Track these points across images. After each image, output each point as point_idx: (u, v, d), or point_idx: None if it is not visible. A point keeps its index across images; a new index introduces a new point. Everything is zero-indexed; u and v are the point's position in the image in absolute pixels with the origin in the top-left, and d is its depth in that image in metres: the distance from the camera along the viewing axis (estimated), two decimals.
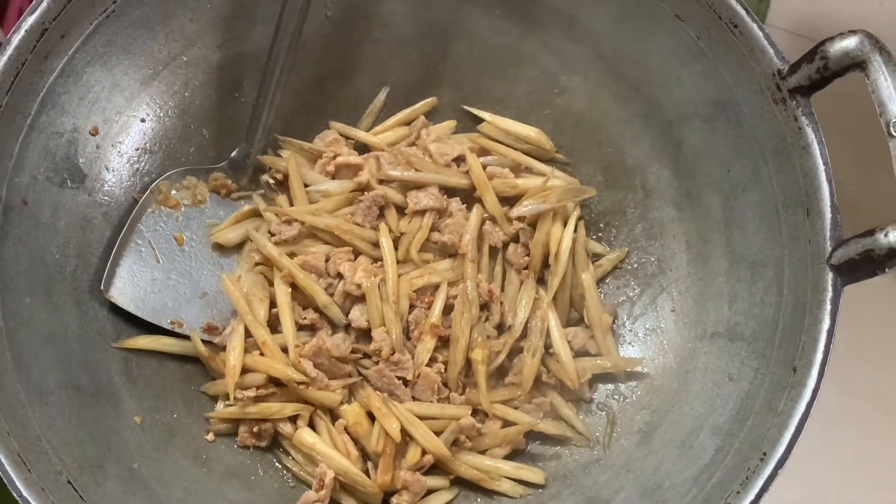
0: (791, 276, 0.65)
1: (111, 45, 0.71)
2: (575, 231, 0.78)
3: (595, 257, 0.81)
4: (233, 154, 0.79)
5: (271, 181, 0.81)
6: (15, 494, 0.57)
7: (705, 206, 0.74)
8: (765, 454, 0.60)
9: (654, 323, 0.77)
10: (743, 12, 0.66)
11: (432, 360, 0.74)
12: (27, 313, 0.66)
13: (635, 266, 0.80)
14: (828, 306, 0.61)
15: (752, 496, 0.59)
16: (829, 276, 0.61)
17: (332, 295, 0.76)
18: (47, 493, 0.58)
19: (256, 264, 0.77)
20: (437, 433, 0.71)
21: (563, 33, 0.78)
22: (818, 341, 0.61)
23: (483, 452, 0.74)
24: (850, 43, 0.59)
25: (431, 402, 0.74)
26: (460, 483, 0.73)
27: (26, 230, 0.67)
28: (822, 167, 0.63)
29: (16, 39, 0.64)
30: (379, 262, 0.77)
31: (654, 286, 0.78)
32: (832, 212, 0.62)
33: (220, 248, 0.78)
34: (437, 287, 0.76)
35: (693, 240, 0.76)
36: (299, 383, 0.71)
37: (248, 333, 0.73)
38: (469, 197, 0.80)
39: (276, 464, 0.74)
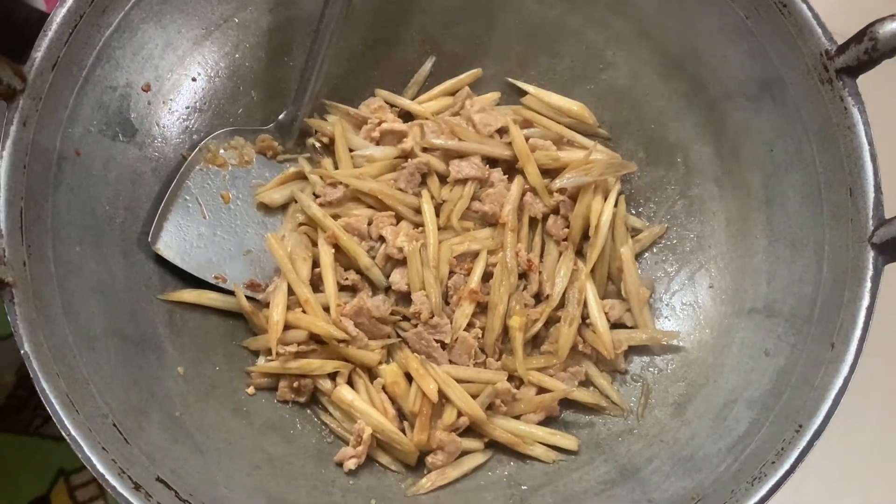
0: (831, 254, 0.66)
1: (166, 3, 0.73)
2: (615, 205, 0.78)
3: (634, 232, 0.81)
4: (280, 117, 0.80)
5: (317, 145, 0.82)
6: (64, 434, 0.58)
7: (746, 184, 0.74)
8: (801, 426, 0.60)
9: (692, 298, 0.78)
10: None
11: (470, 326, 0.75)
12: (77, 262, 0.67)
13: (674, 242, 0.81)
14: (868, 284, 0.61)
15: (787, 466, 0.59)
16: (871, 254, 0.62)
17: (373, 257, 0.77)
18: (94, 433, 0.59)
19: (300, 224, 0.78)
20: (473, 396, 0.72)
21: (610, 8, 0.79)
22: (857, 318, 0.61)
23: (517, 418, 0.74)
24: None
25: (468, 366, 0.75)
26: (494, 446, 0.74)
27: (78, 181, 0.68)
28: (866, 147, 0.63)
29: None
30: (420, 228, 0.77)
31: (692, 262, 0.79)
32: (875, 191, 0.63)
33: (265, 207, 0.79)
34: (476, 254, 0.77)
35: (733, 217, 0.76)
36: (340, 341, 0.73)
37: (290, 291, 0.74)
38: (511, 168, 0.81)
39: (315, 419, 0.75)
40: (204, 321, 0.75)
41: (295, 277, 0.74)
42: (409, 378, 0.73)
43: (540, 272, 0.78)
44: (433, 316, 0.74)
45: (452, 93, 0.85)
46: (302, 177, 0.80)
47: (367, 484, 0.71)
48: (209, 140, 0.78)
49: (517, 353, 0.74)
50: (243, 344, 0.76)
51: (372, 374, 0.75)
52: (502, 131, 0.81)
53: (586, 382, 0.77)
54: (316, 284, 0.76)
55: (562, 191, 0.78)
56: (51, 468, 0.84)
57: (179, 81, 0.76)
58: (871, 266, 0.62)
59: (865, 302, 0.61)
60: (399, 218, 0.78)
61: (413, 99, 0.85)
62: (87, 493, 0.83)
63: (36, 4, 0.92)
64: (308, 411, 0.75)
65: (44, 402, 0.58)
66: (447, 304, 0.76)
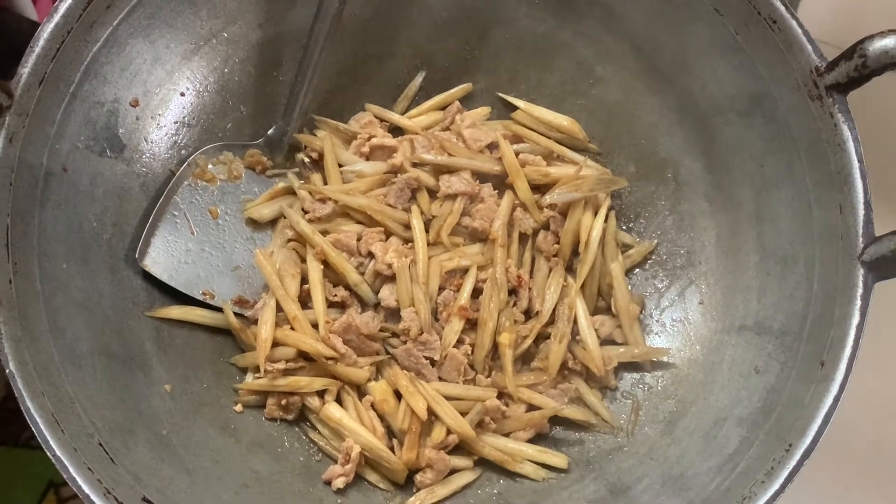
0: (821, 271, 0.65)
1: (154, 18, 0.72)
2: (605, 221, 0.78)
3: (624, 248, 0.81)
4: (269, 132, 0.80)
5: (306, 160, 0.82)
6: (49, 454, 0.57)
7: (737, 199, 0.74)
8: (791, 445, 0.60)
9: (682, 314, 0.78)
10: (782, 8, 0.66)
11: (459, 342, 0.75)
12: (64, 278, 0.66)
13: (664, 257, 0.80)
14: (858, 302, 0.61)
15: (777, 485, 0.59)
16: (861, 272, 0.62)
17: (362, 274, 0.76)
18: (80, 453, 0.58)
19: (289, 240, 0.78)
20: (463, 414, 0.72)
21: (601, 23, 0.79)
22: (847, 336, 0.61)
23: (507, 435, 0.74)
24: (889, 42, 0.60)
25: (457, 383, 0.74)
26: (484, 464, 0.74)
27: (65, 197, 0.68)
28: (856, 164, 0.63)
29: (63, 7, 0.65)
30: (410, 244, 0.77)
31: (682, 278, 0.79)
32: (865, 208, 0.62)
33: (254, 223, 0.79)
34: (466, 270, 0.76)
35: (723, 233, 0.76)
36: (328, 359, 0.72)
37: (278, 308, 0.74)
38: (501, 183, 0.80)
39: (303, 437, 0.75)
40: (191, 338, 0.75)
41: (283, 294, 0.74)
42: (398, 395, 0.73)
43: (530, 288, 0.77)
44: (422, 332, 0.74)
45: (443, 107, 0.85)
46: (291, 192, 0.80)
47: (356, 502, 0.71)
48: (198, 155, 0.77)
49: (507, 369, 0.74)
50: (231, 361, 0.76)
51: (361, 391, 0.75)
52: (492, 146, 0.81)
53: (576, 399, 0.76)
54: (304, 301, 0.76)
55: (552, 206, 0.78)
56: (41, 480, 0.84)
57: (168, 96, 0.76)
58: (860, 284, 0.62)
59: (855, 320, 0.61)
60: (388, 234, 0.78)
61: (403, 113, 0.84)
62: None
63: (27, 14, 0.92)
64: (296, 429, 0.75)
65: (29, 421, 0.58)
66: (437, 320, 0.76)
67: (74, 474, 0.57)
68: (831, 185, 0.65)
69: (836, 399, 0.60)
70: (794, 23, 0.65)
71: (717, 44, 0.72)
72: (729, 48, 0.71)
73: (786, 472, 0.59)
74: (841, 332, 0.62)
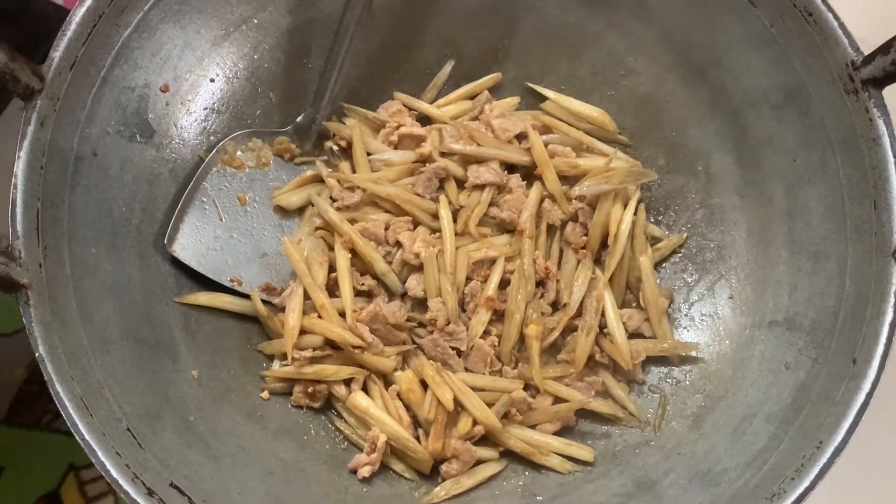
0: (854, 267, 0.65)
1: (185, 4, 0.72)
2: (635, 213, 0.77)
3: (653, 241, 0.80)
4: (298, 119, 0.80)
5: (335, 148, 0.81)
6: (78, 438, 0.57)
7: (768, 194, 0.74)
8: (821, 442, 0.60)
9: (711, 309, 0.77)
10: (818, 0, 0.65)
11: (486, 333, 0.75)
12: (93, 263, 0.66)
13: (694, 251, 0.80)
14: (891, 299, 0.61)
15: (806, 483, 0.59)
16: (895, 268, 0.61)
17: (390, 263, 0.76)
18: (108, 437, 0.58)
19: (317, 229, 0.78)
20: (489, 405, 0.72)
21: (633, 14, 0.78)
22: (880, 333, 0.61)
23: (533, 427, 0.74)
24: None
25: (484, 374, 0.74)
26: (509, 455, 0.74)
27: (95, 181, 0.68)
28: (891, 159, 0.63)
29: None
30: (437, 234, 0.77)
31: (712, 272, 0.78)
32: None
33: (282, 210, 0.79)
34: (493, 261, 0.76)
35: (754, 227, 0.75)
36: (355, 347, 0.72)
37: (306, 296, 0.74)
38: (529, 174, 0.80)
39: (329, 425, 0.75)
40: (219, 324, 0.75)
41: (311, 282, 0.74)
42: (424, 385, 0.73)
43: (558, 280, 0.77)
44: (449, 323, 0.74)
45: (472, 97, 0.84)
46: (319, 180, 0.80)
47: (381, 492, 0.71)
48: (227, 142, 0.77)
49: (533, 361, 0.73)
50: (258, 348, 0.76)
51: (387, 380, 0.75)
52: (521, 137, 0.81)
53: (603, 392, 0.76)
54: (332, 289, 0.76)
55: (581, 198, 0.78)
56: (61, 463, 0.84)
57: (198, 82, 0.76)
58: (894, 281, 0.61)
59: (889, 317, 0.61)
60: (416, 223, 0.78)
61: (432, 102, 0.84)
62: (97, 489, 0.83)
63: None
64: (322, 417, 0.75)
65: (58, 405, 0.58)
66: (463, 311, 0.76)
67: (103, 458, 0.57)
68: (865, 181, 0.64)
69: (868, 396, 0.60)
70: (829, 15, 0.65)
71: (751, 36, 0.71)
72: (763, 41, 0.70)
73: (816, 470, 0.59)
74: (873, 329, 0.61)
